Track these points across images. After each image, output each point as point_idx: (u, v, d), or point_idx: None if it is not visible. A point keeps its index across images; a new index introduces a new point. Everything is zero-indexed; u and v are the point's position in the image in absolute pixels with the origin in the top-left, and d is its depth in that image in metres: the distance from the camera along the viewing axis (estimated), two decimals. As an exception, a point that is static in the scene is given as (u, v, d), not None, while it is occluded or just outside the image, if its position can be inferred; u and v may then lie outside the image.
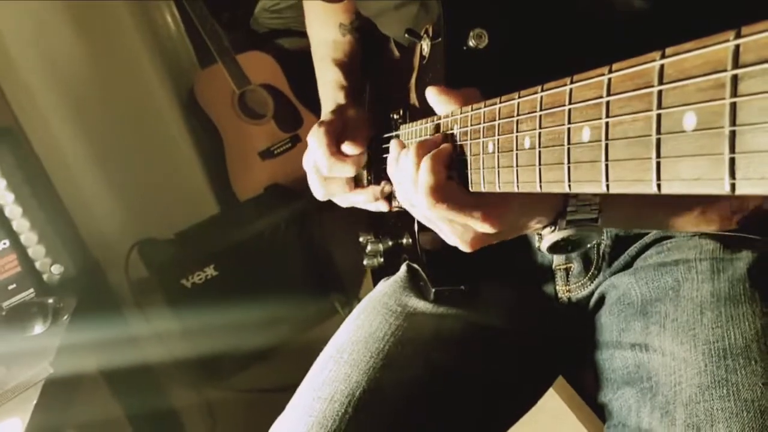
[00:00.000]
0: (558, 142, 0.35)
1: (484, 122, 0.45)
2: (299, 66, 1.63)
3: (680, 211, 0.58)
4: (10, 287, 1.27)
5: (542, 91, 0.37)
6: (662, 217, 0.59)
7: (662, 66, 0.26)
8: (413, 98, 0.72)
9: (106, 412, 1.52)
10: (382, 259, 0.85)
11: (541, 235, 0.54)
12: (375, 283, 0.84)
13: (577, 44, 0.50)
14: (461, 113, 0.50)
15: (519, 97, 0.40)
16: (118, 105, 1.78)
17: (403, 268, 0.79)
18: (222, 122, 1.95)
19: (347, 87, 0.85)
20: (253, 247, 1.76)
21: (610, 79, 0.30)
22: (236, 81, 1.91)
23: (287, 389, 0.71)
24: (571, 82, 0.34)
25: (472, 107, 0.48)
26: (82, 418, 1.30)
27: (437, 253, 0.71)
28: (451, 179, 0.50)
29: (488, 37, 0.56)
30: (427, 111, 0.57)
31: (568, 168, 0.34)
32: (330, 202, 0.84)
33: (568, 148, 0.34)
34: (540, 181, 0.37)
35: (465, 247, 0.54)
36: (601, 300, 0.72)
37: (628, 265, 0.70)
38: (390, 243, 0.83)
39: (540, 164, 0.37)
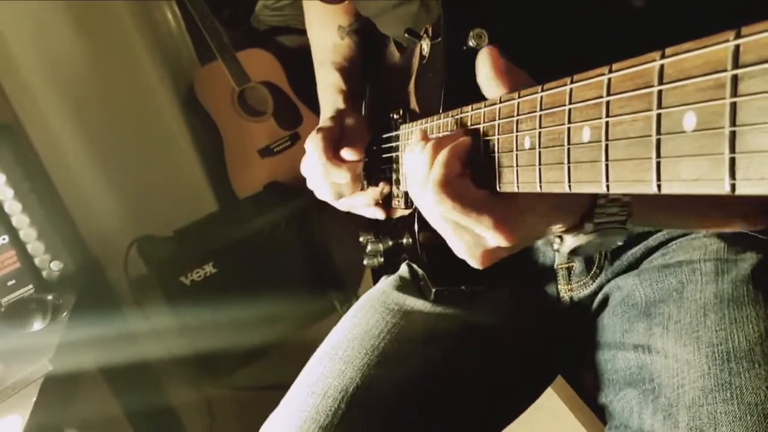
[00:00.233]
0: (558, 142, 0.35)
1: (483, 122, 0.45)
2: (299, 63, 1.63)
3: (717, 211, 0.56)
4: (9, 283, 1.27)
5: (542, 91, 0.37)
6: (693, 219, 0.57)
7: (662, 66, 0.26)
8: (413, 98, 0.72)
9: (105, 409, 1.52)
10: (382, 259, 0.85)
11: (561, 237, 0.50)
12: (375, 283, 0.84)
13: (577, 44, 0.50)
14: (462, 112, 0.50)
15: (519, 97, 0.40)
16: (118, 102, 1.77)
17: (403, 267, 0.79)
18: (221, 120, 1.94)
19: (346, 91, 0.85)
20: (252, 245, 1.75)
21: (610, 79, 0.30)
22: (236, 78, 1.91)
23: (286, 387, 0.71)
24: (571, 82, 0.34)
25: (472, 107, 0.48)
26: (81, 415, 1.30)
27: (437, 253, 0.71)
28: (466, 176, 0.47)
29: (488, 37, 0.56)
30: (427, 111, 0.57)
31: (568, 168, 0.34)
32: (329, 201, 0.83)
33: (568, 148, 0.34)
34: (540, 182, 0.37)
35: (475, 263, 0.50)
36: (605, 301, 0.71)
37: (632, 267, 0.70)
38: (390, 243, 0.83)
39: (540, 164, 0.37)
